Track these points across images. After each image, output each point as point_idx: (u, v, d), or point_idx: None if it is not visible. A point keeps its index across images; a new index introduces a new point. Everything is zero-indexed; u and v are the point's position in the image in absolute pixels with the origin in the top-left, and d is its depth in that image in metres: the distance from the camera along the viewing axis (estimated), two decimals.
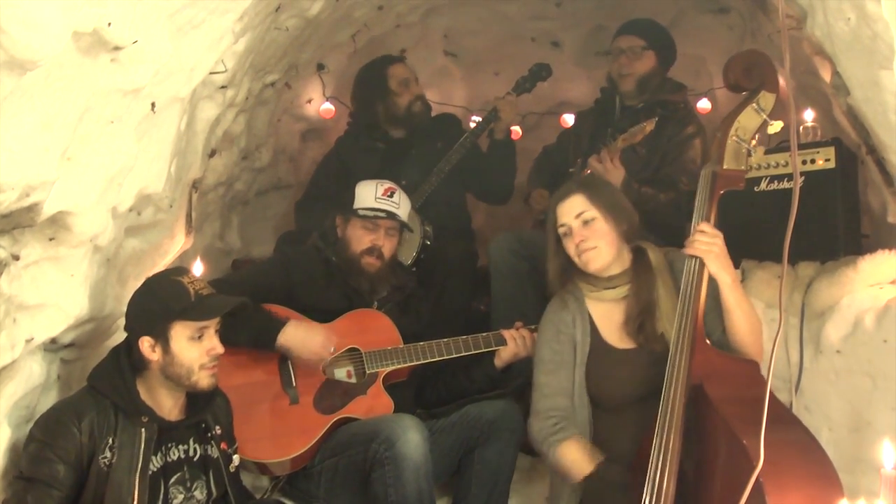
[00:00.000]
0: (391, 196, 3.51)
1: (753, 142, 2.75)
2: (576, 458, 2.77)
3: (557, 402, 2.89)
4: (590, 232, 2.85)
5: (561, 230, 2.92)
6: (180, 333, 2.57)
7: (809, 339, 3.31)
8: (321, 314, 3.37)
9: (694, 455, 2.51)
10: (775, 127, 2.78)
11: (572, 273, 2.96)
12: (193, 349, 2.59)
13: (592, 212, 2.86)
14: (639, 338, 2.85)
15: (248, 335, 3.15)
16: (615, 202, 2.92)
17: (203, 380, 2.61)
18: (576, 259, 2.89)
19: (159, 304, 2.59)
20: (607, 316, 2.93)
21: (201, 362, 2.59)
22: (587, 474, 2.72)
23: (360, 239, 3.48)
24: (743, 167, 2.74)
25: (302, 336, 3.21)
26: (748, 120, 2.73)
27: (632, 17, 4.36)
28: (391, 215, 3.48)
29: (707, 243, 2.65)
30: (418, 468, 2.97)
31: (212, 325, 2.63)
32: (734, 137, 2.71)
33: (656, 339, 2.81)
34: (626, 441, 2.72)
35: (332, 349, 3.26)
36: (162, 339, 2.57)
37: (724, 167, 2.72)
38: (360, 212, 3.48)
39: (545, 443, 2.85)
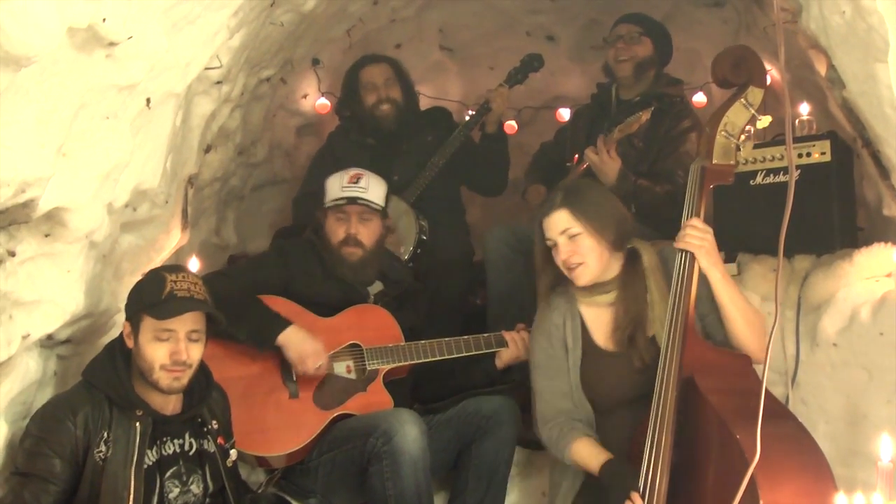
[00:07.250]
0: (357, 182, 3.48)
1: (742, 137, 2.76)
2: (590, 452, 2.75)
3: (560, 406, 2.88)
4: (576, 247, 2.80)
5: (548, 243, 2.87)
6: (146, 328, 2.57)
7: (805, 332, 3.32)
8: (318, 307, 3.37)
9: (686, 448, 2.51)
10: (764, 122, 2.81)
11: (566, 282, 2.92)
12: (157, 348, 2.56)
13: (577, 227, 2.79)
14: (629, 348, 2.83)
15: (249, 331, 3.17)
16: (601, 213, 2.82)
17: (162, 380, 2.56)
18: (565, 272, 2.85)
19: (137, 293, 2.64)
20: (599, 319, 2.92)
21: (162, 363, 2.55)
22: (604, 463, 2.68)
23: (335, 231, 3.47)
24: (732, 162, 2.75)
25: (301, 337, 3.20)
26: (737, 115, 2.74)
27: (627, 11, 4.36)
28: (352, 200, 3.44)
29: (699, 238, 2.65)
30: (416, 462, 2.97)
31: (181, 330, 2.57)
32: (723, 133, 2.73)
33: (646, 347, 2.79)
34: (621, 441, 2.72)
35: (322, 365, 3.22)
36: (134, 328, 2.59)
37: (713, 162, 2.73)
38: (328, 204, 3.49)
39: (557, 447, 2.84)
